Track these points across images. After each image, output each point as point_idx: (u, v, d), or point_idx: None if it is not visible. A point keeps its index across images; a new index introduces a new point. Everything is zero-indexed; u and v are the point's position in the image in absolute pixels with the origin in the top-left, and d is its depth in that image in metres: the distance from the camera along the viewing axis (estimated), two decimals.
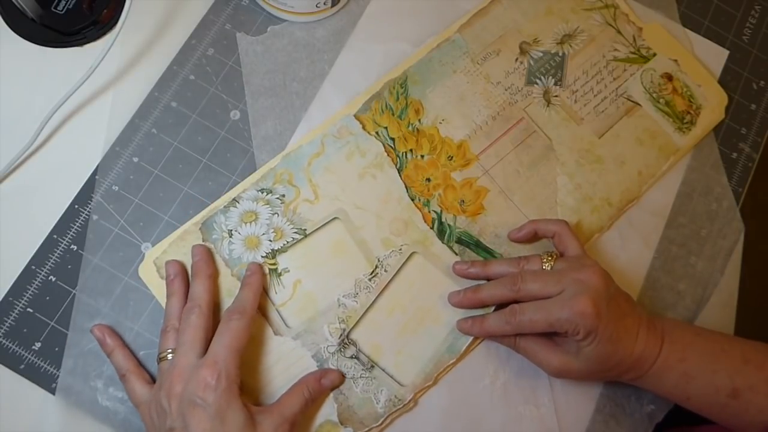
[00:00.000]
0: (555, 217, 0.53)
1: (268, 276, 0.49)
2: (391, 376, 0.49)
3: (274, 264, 0.50)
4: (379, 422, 0.48)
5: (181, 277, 0.48)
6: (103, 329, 0.47)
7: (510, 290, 0.48)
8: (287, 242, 0.50)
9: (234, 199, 0.50)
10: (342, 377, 0.48)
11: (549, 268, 0.48)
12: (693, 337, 0.47)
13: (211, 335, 0.45)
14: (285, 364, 0.48)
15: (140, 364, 0.47)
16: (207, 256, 0.49)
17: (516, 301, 0.48)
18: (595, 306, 0.44)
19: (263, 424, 0.43)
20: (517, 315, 0.47)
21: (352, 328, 0.49)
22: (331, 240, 0.51)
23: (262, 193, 0.51)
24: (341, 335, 0.49)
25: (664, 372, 0.46)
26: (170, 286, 0.47)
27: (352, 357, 0.49)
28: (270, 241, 0.50)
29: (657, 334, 0.47)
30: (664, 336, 0.47)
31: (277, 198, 0.51)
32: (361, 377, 0.48)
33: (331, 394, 0.48)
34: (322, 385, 0.47)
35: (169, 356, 0.44)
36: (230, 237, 0.49)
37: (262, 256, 0.49)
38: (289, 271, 0.50)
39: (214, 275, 0.48)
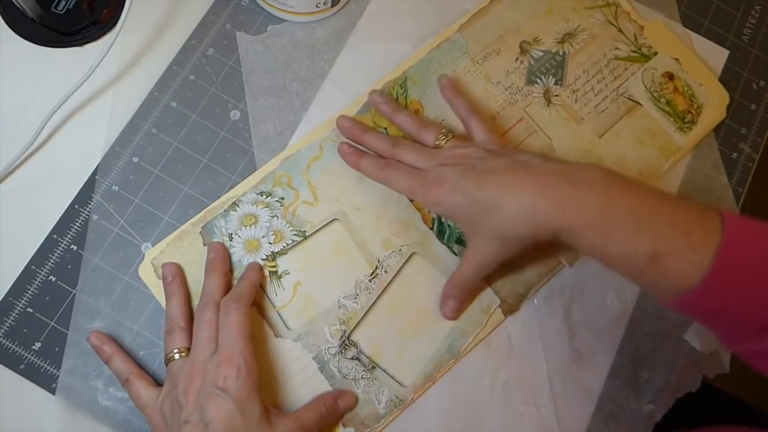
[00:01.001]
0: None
1: (268, 278, 0.49)
2: (392, 377, 0.49)
3: (274, 266, 0.50)
4: (381, 423, 0.48)
5: (179, 279, 0.48)
6: (99, 336, 0.47)
7: (388, 147, 0.50)
8: (287, 244, 0.50)
9: (234, 203, 0.50)
10: (356, 400, 0.48)
11: (443, 144, 0.49)
12: (620, 191, 0.41)
13: None
14: (286, 367, 0.48)
15: (141, 366, 0.47)
16: (223, 253, 0.49)
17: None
18: (450, 193, 0.45)
19: (279, 425, 0.43)
20: (390, 169, 0.48)
21: (353, 329, 0.49)
22: (330, 241, 0.51)
23: (262, 196, 0.51)
24: (342, 337, 0.49)
25: (582, 229, 0.41)
26: (169, 287, 0.47)
27: (353, 358, 0.49)
28: (270, 243, 0.50)
29: (565, 186, 0.42)
30: (584, 187, 0.41)
31: (277, 201, 0.51)
32: (362, 378, 0.48)
33: None
34: (338, 405, 0.47)
35: (176, 356, 0.44)
36: (230, 240, 0.49)
37: (262, 259, 0.49)
38: (289, 273, 0.50)
39: (228, 273, 0.48)
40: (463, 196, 0.44)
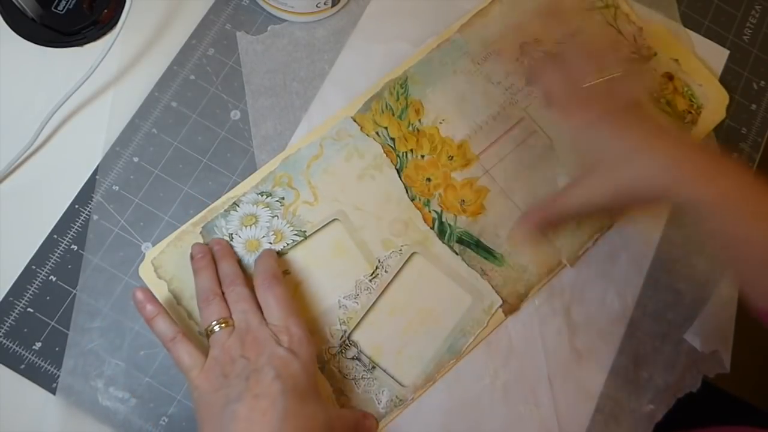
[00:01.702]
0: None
1: None
2: (392, 377, 0.49)
3: None
4: (381, 422, 0.48)
5: (209, 256, 0.47)
6: (145, 293, 0.43)
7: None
8: (287, 244, 0.50)
9: (234, 203, 0.50)
10: (377, 425, 0.48)
11: None
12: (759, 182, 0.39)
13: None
14: None
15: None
16: (228, 245, 0.49)
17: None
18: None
19: (330, 406, 0.44)
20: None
21: (353, 329, 0.49)
22: (331, 241, 0.51)
23: (262, 196, 0.51)
24: (342, 337, 0.49)
25: (719, 205, 0.39)
26: (199, 262, 0.46)
27: (353, 358, 0.49)
28: (270, 243, 0.50)
29: (709, 160, 0.41)
30: (728, 167, 0.41)
31: (277, 201, 0.51)
32: (362, 378, 0.48)
33: (333, 396, 0.48)
34: (366, 423, 0.47)
35: (217, 328, 0.43)
36: (231, 240, 0.49)
37: None
38: (289, 273, 0.50)
39: (237, 259, 0.48)
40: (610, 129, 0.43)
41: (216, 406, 0.40)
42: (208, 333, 0.43)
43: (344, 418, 0.46)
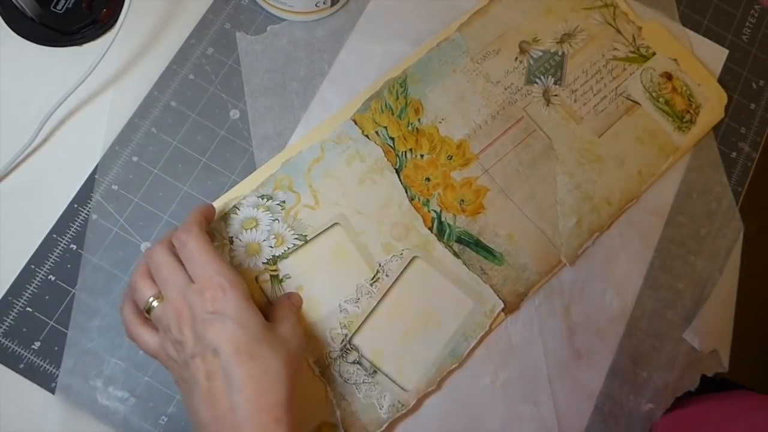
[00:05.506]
0: (554, 216, 0.53)
1: (269, 282, 0.49)
2: (394, 381, 0.49)
3: (275, 270, 0.49)
4: (383, 428, 0.48)
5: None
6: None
7: None
8: (288, 248, 0.50)
9: (234, 206, 0.50)
10: (299, 297, 0.49)
11: None
12: None
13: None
14: None
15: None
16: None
17: None
18: None
19: (279, 328, 0.42)
20: None
21: (354, 333, 0.49)
22: (332, 245, 0.50)
23: (263, 199, 0.50)
24: (343, 341, 0.49)
25: None
26: None
27: (354, 362, 0.49)
28: (271, 247, 0.50)
29: None
30: None
31: (278, 204, 0.50)
32: (363, 383, 0.48)
33: (334, 400, 0.48)
34: (292, 302, 0.47)
35: (155, 303, 0.42)
36: (231, 244, 0.49)
37: (263, 263, 0.49)
38: (290, 277, 0.49)
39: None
40: None
41: (186, 392, 0.40)
42: (148, 311, 0.42)
43: (285, 319, 0.44)
